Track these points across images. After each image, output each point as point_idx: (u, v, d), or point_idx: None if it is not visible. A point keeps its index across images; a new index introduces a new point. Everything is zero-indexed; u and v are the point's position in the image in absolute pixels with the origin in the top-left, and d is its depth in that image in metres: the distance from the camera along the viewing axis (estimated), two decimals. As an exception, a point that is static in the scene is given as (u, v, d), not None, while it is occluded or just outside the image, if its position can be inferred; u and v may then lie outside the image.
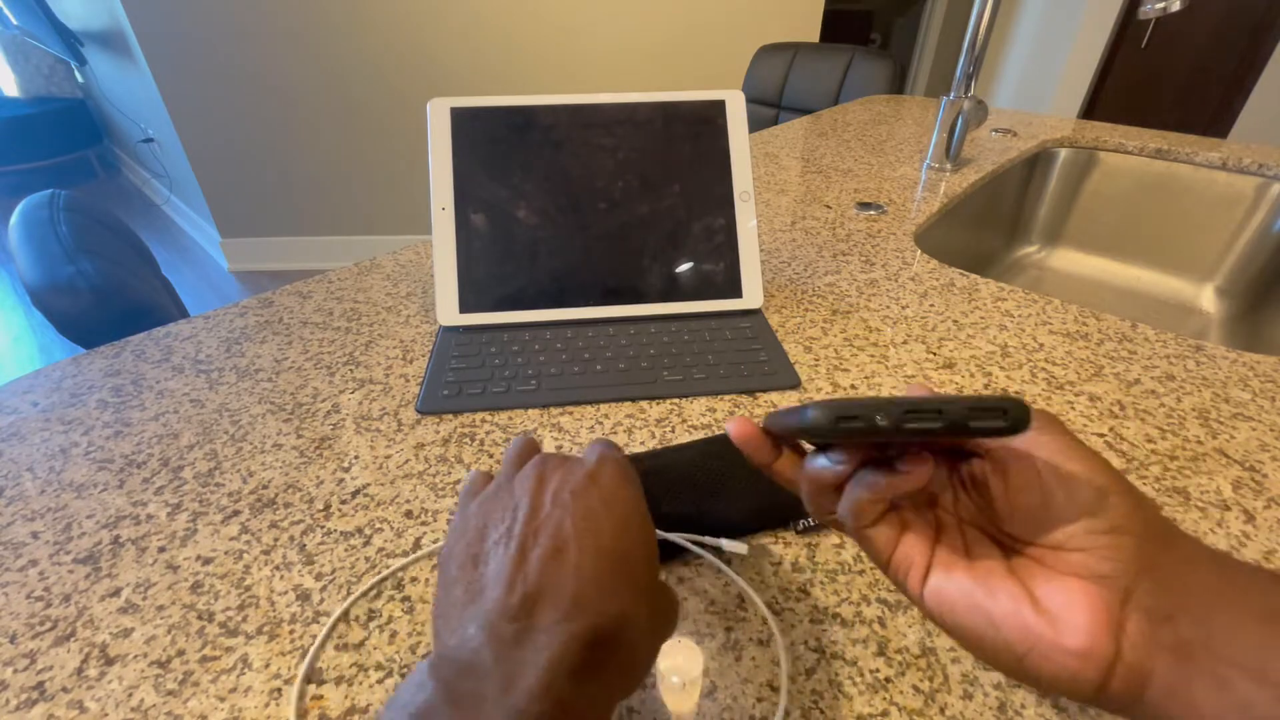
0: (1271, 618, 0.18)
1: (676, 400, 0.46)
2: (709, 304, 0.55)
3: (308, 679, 0.28)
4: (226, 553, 0.34)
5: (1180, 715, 0.19)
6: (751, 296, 0.55)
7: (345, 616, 0.31)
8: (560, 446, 0.42)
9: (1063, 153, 1.10)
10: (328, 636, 0.30)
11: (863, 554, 0.34)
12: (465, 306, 0.53)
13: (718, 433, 0.42)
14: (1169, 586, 0.19)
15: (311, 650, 0.29)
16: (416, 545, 0.35)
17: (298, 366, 0.50)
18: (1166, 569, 0.20)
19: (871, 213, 0.80)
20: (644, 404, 0.46)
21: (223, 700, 0.27)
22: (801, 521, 0.36)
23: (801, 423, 0.21)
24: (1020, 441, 0.22)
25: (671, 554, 0.34)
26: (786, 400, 0.46)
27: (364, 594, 0.32)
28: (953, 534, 0.24)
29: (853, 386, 0.47)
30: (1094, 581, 0.20)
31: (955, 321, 0.56)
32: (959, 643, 0.22)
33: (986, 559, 0.22)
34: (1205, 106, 2.74)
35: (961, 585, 0.22)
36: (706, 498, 0.36)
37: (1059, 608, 0.20)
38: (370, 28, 2.21)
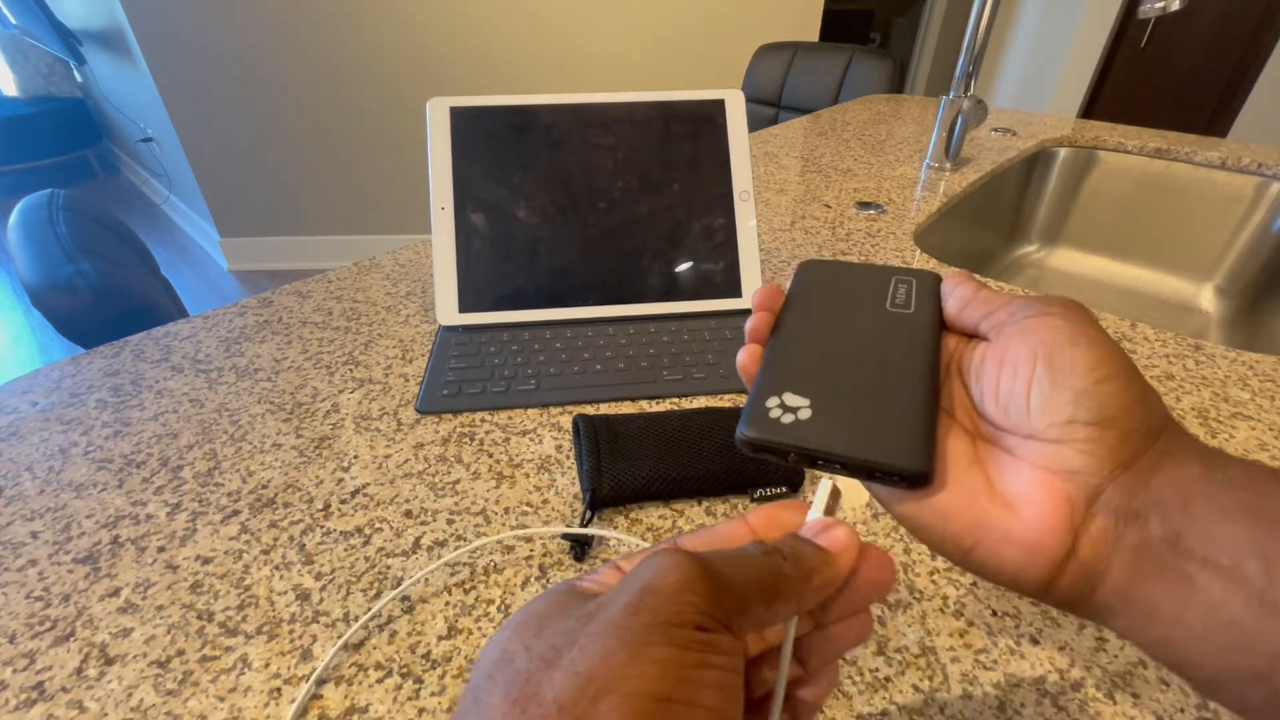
0: (1254, 513, 0.16)
1: (676, 399, 0.46)
2: (709, 303, 0.55)
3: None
4: (226, 552, 0.34)
5: (1134, 616, 0.18)
6: (751, 296, 0.55)
7: (405, 597, 0.31)
8: (560, 446, 0.42)
9: (1062, 152, 1.10)
10: (371, 620, 0.30)
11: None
12: (465, 306, 0.53)
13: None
14: (1143, 482, 0.18)
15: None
16: (416, 545, 0.35)
17: (297, 366, 0.50)
18: (1145, 463, 0.18)
19: (871, 212, 0.80)
20: (644, 403, 0.46)
21: (222, 700, 0.27)
22: (759, 491, 0.38)
23: (737, 435, 0.22)
24: (1030, 324, 0.21)
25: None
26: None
27: (439, 567, 0.32)
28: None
29: (852, 386, 0.47)
30: (1061, 476, 0.19)
31: (955, 321, 0.56)
32: (904, 527, 0.21)
33: (951, 450, 0.21)
34: (1205, 106, 2.74)
35: (920, 496, 0.20)
36: (679, 460, 0.38)
37: (1016, 499, 0.19)
38: (369, 27, 2.20)
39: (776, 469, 0.38)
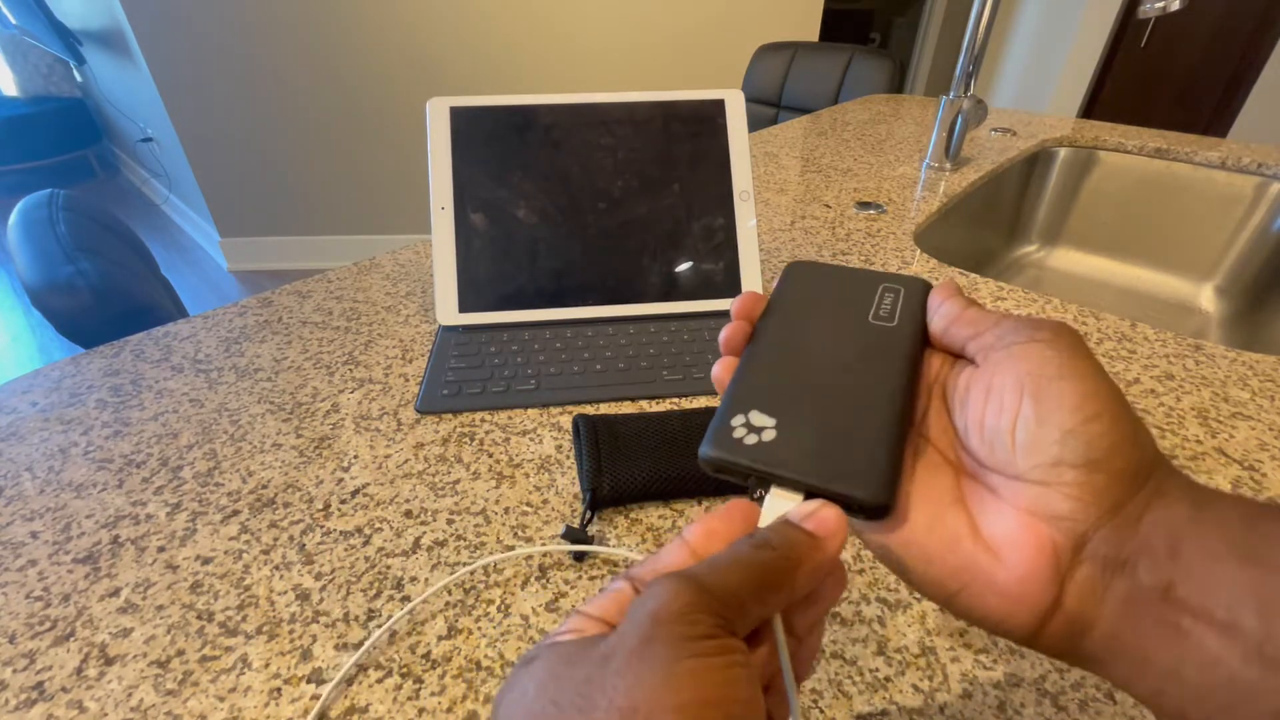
0: (1249, 557, 0.16)
1: (676, 399, 0.46)
2: (709, 303, 0.55)
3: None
4: (226, 552, 0.34)
5: (1125, 667, 0.17)
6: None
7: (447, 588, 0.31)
8: (560, 446, 0.42)
9: (1062, 152, 1.10)
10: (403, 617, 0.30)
11: (863, 553, 0.34)
12: (465, 306, 0.53)
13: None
14: (1132, 527, 0.17)
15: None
16: (416, 545, 0.35)
17: (297, 366, 0.50)
18: (1134, 509, 0.17)
19: (871, 212, 0.80)
20: (644, 403, 0.46)
21: (222, 700, 0.27)
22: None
23: (699, 453, 0.22)
24: (1018, 352, 0.20)
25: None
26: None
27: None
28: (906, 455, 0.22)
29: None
30: (1046, 521, 0.18)
31: (955, 321, 0.56)
32: (894, 574, 0.20)
33: (936, 485, 0.20)
34: (1205, 106, 2.74)
35: (896, 525, 0.20)
36: (679, 460, 0.38)
37: (999, 544, 0.18)
38: (369, 27, 2.20)
39: None
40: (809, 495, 0.20)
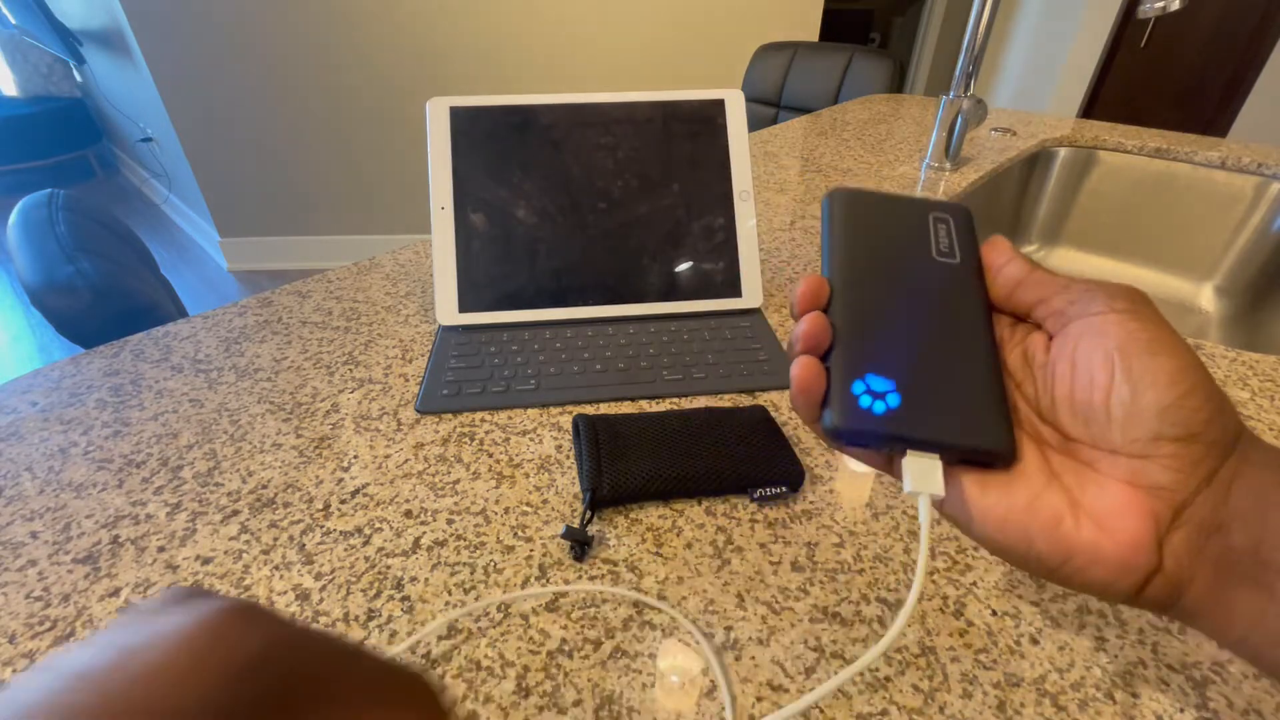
0: None
1: (676, 399, 0.46)
2: (709, 303, 0.55)
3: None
4: (226, 552, 0.34)
5: (1216, 619, 0.18)
6: (751, 296, 0.55)
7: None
8: (560, 446, 0.42)
9: (1062, 152, 1.10)
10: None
11: (863, 553, 0.34)
12: (465, 306, 0.53)
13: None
14: (1224, 493, 0.18)
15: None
16: (416, 545, 0.35)
17: (297, 366, 0.50)
18: (1225, 475, 0.18)
19: (871, 212, 0.80)
20: (644, 403, 0.46)
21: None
22: (759, 490, 0.37)
23: (825, 425, 0.22)
24: (1101, 323, 0.20)
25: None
26: (786, 399, 0.46)
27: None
28: None
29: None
30: (1147, 492, 0.18)
31: (955, 321, 0.56)
32: (994, 554, 0.21)
33: (1026, 464, 0.20)
34: (1205, 106, 2.74)
35: (1005, 501, 0.20)
36: (678, 460, 0.38)
37: (1103, 518, 0.18)
38: (370, 27, 2.20)
39: (775, 469, 0.38)
40: (942, 452, 0.21)
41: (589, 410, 0.45)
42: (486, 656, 0.29)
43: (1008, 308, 0.23)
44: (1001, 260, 0.23)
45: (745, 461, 0.38)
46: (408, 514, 0.37)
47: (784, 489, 0.37)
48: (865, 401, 0.21)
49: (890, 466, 0.22)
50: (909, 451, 0.21)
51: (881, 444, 0.21)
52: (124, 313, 0.65)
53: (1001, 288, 0.23)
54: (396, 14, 2.19)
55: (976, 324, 0.23)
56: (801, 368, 0.22)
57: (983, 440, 0.20)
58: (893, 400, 0.21)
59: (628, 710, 0.27)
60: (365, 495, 0.38)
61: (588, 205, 0.54)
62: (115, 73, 2.78)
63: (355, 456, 0.41)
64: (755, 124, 1.64)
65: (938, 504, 0.22)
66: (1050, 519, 0.19)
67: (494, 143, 0.54)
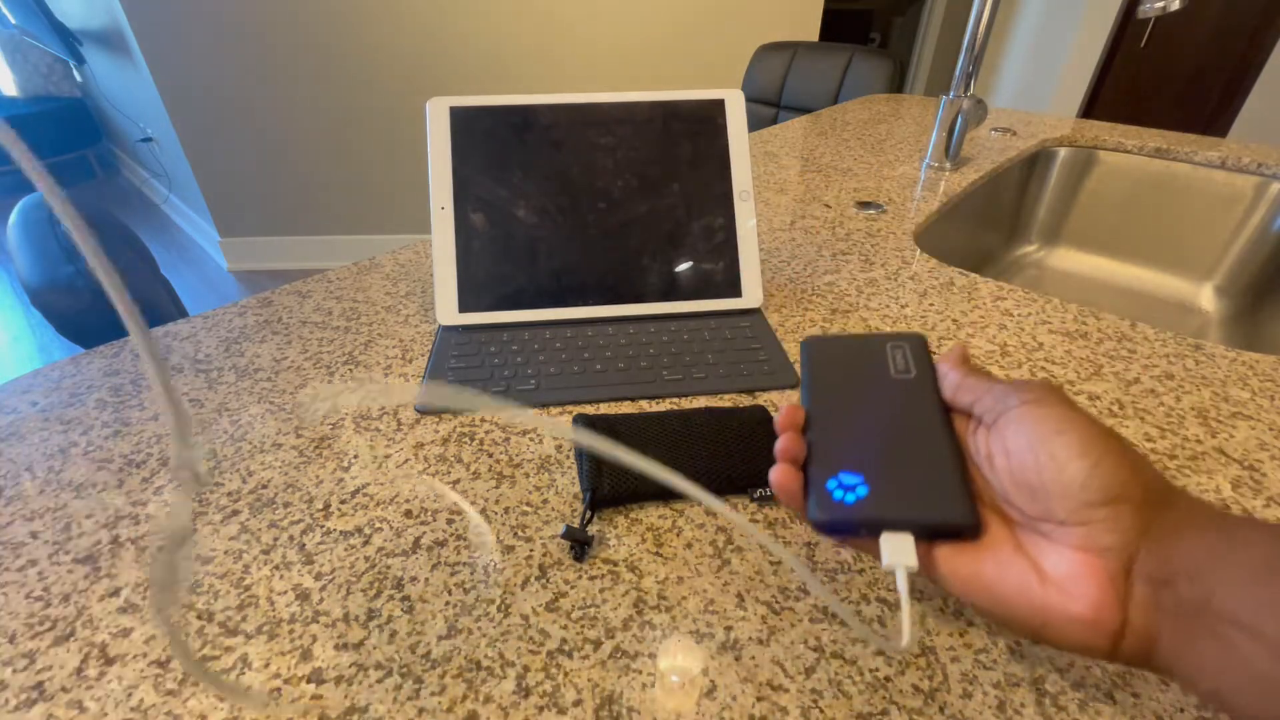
0: (1269, 573, 0.18)
1: (676, 399, 0.46)
2: (708, 303, 0.55)
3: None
4: (226, 552, 0.34)
5: (1189, 672, 0.19)
6: (751, 296, 0.55)
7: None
8: (560, 446, 0.42)
9: (1062, 152, 1.10)
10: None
11: (863, 553, 0.34)
12: (465, 306, 0.53)
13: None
14: (1168, 549, 0.20)
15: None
16: (416, 545, 0.35)
17: (297, 366, 0.50)
18: (1165, 531, 0.20)
19: (871, 212, 0.80)
20: (643, 403, 0.46)
21: (223, 700, 0.27)
22: (759, 490, 0.38)
23: (810, 518, 0.25)
24: (1017, 415, 0.23)
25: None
26: (785, 399, 0.46)
27: (363, 594, 0.32)
28: None
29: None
30: (1097, 554, 0.20)
31: (955, 320, 0.56)
32: (981, 616, 0.24)
33: (994, 537, 0.23)
34: (1205, 106, 2.74)
35: (972, 566, 0.23)
36: (679, 460, 0.38)
37: (1066, 581, 0.21)
38: (370, 27, 2.20)
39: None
40: (914, 532, 0.24)
41: (589, 410, 0.45)
42: (486, 656, 0.29)
43: (955, 406, 0.27)
44: (946, 366, 0.28)
45: (745, 461, 0.38)
46: (408, 514, 0.37)
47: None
48: (838, 495, 0.25)
49: (876, 550, 0.25)
50: (884, 531, 0.24)
51: (858, 529, 0.24)
52: (124, 313, 0.65)
53: (946, 391, 0.27)
54: (397, 14, 2.19)
55: (933, 419, 0.27)
56: (778, 473, 0.26)
57: (948, 515, 0.23)
58: (862, 491, 0.24)
59: (628, 710, 0.27)
60: (365, 495, 0.38)
61: (588, 205, 0.54)
62: (115, 73, 2.78)
63: (355, 456, 0.41)
64: (755, 124, 1.64)
65: (923, 573, 0.25)
66: (1021, 585, 0.22)
67: (494, 143, 0.54)
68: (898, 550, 0.23)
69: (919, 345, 0.31)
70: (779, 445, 0.27)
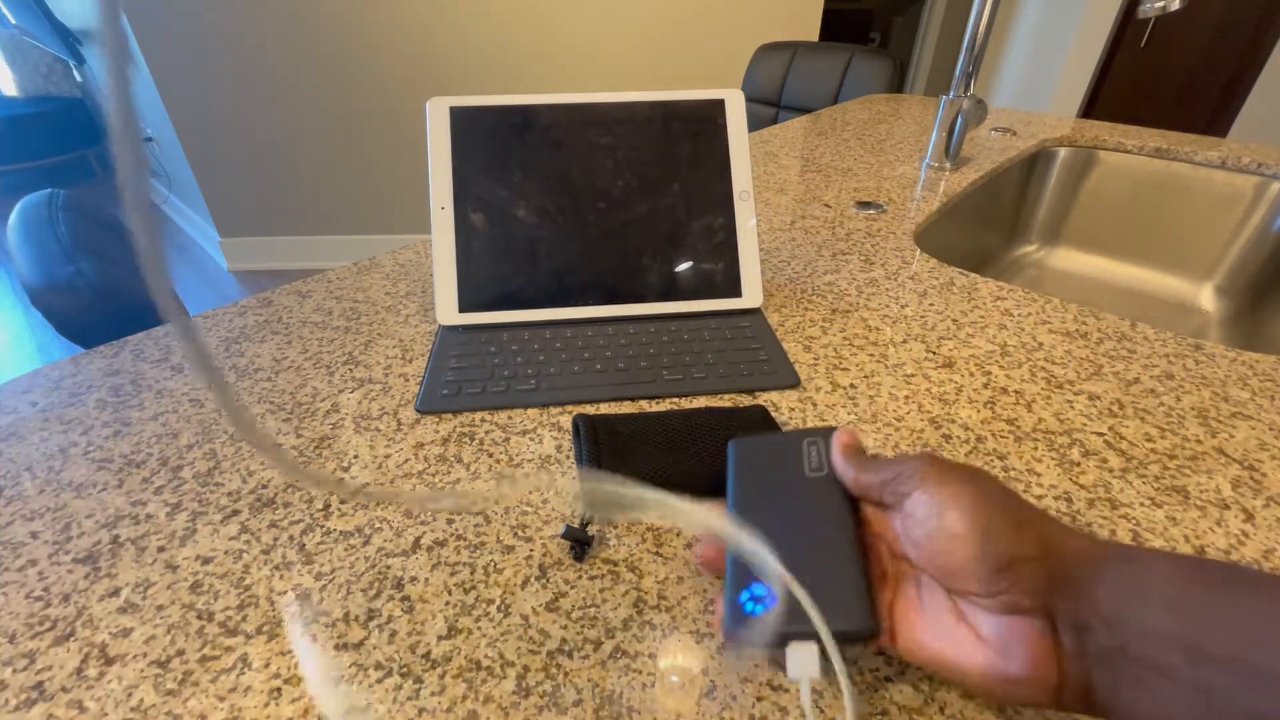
0: (1172, 612, 0.19)
1: (676, 399, 0.46)
2: (708, 303, 0.55)
3: (307, 679, 0.28)
4: (226, 552, 0.34)
5: (1123, 716, 0.20)
6: (751, 295, 0.55)
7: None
8: (560, 446, 0.42)
9: (1062, 152, 1.10)
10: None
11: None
12: (465, 306, 0.53)
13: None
14: (1080, 597, 0.20)
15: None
16: (416, 545, 0.35)
17: (297, 366, 0.50)
18: (1073, 580, 0.21)
19: (871, 212, 0.80)
20: (644, 403, 0.46)
21: (222, 700, 0.27)
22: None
23: (724, 632, 0.27)
24: (909, 506, 0.25)
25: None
26: (785, 399, 0.46)
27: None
28: (908, 586, 0.26)
29: (852, 385, 0.47)
30: (1020, 615, 0.21)
31: (955, 320, 0.56)
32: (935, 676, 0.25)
33: (937, 608, 0.24)
34: (1204, 106, 2.74)
35: (916, 636, 0.24)
36: (679, 460, 0.38)
37: (1000, 644, 0.22)
38: (369, 27, 2.20)
39: None
40: (816, 639, 0.24)
41: (589, 410, 0.45)
42: (486, 656, 0.29)
43: (865, 501, 0.28)
44: (839, 467, 0.29)
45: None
46: (408, 514, 0.37)
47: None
48: (749, 607, 0.26)
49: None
50: (790, 642, 0.25)
51: (767, 641, 0.25)
52: (124, 313, 0.65)
53: (850, 488, 0.28)
54: (396, 14, 2.19)
55: (840, 519, 0.28)
56: (701, 549, 0.30)
57: (848, 623, 0.24)
58: (770, 601, 0.25)
59: (628, 710, 0.27)
60: (365, 495, 0.38)
61: (588, 205, 0.54)
62: (115, 73, 2.77)
63: (355, 456, 0.41)
64: (755, 124, 1.64)
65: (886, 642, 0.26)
66: (964, 651, 0.23)
67: (494, 143, 0.54)
68: (802, 662, 0.24)
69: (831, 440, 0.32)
70: (698, 560, 0.30)
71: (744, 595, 0.26)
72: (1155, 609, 0.19)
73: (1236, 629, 0.18)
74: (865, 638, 0.24)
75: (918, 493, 0.24)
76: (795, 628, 0.25)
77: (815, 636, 0.24)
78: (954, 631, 0.23)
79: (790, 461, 0.32)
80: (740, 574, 0.27)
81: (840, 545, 0.27)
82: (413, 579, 0.33)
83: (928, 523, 0.23)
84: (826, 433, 0.32)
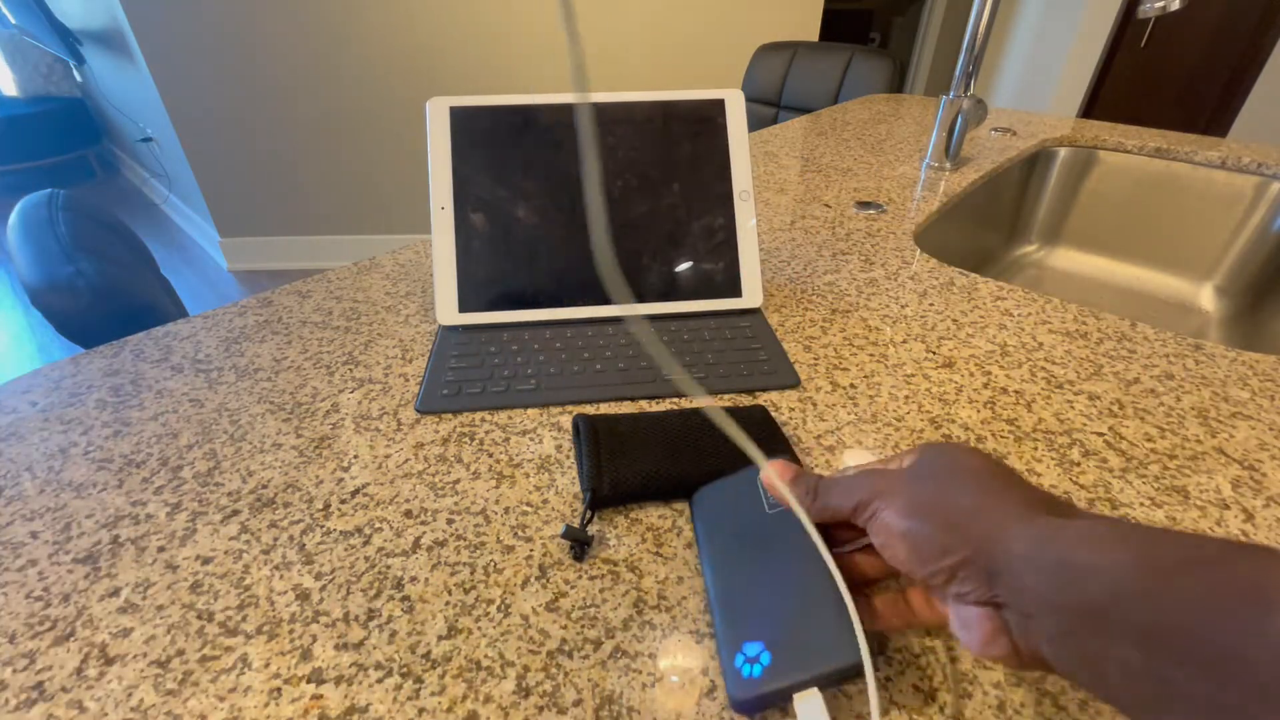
0: (1064, 589, 0.20)
1: (676, 399, 0.46)
2: (709, 303, 0.55)
3: (307, 679, 0.28)
4: (226, 552, 0.34)
5: (1087, 687, 0.21)
6: (751, 296, 0.55)
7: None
8: (560, 446, 0.42)
9: (1062, 152, 1.10)
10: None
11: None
12: (464, 306, 0.53)
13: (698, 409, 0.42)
14: (1015, 587, 0.21)
15: (311, 650, 0.29)
16: (416, 545, 0.35)
17: (297, 366, 0.50)
18: (1004, 570, 0.22)
19: (871, 212, 0.80)
20: (644, 403, 0.46)
21: (222, 700, 0.27)
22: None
23: (729, 697, 0.27)
24: (865, 528, 0.26)
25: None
26: (785, 399, 0.46)
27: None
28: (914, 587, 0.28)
29: (852, 385, 0.47)
30: (972, 602, 0.23)
31: (955, 320, 0.56)
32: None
33: (921, 595, 0.28)
34: (1204, 106, 2.74)
35: (906, 620, 0.28)
36: (679, 459, 0.38)
37: (960, 623, 0.24)
38: (369, 27, 2.20)
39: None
40: (820, 684, 0.25)
41: (589, 410, 0.45)
42: (486, 656, 0.29)
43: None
44: (790, 502, 0.29)
45: (745, 460, 0.38)
46: (408, 514, 0.37)
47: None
48: (747, 670, 0.26)
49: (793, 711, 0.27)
50: (794, 695, 0.25)
51: (774, 701, 0.25)
52: (124, 313, 0.65)
53: (814, 516, 0.28)
54: (396, 14, 2.19)
55: (810, 557, 0.28)
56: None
57: (841, 660, 0.25)
58: (766, 659, 0.26)
59: (628, 710, 0.27)
60: (365, 495, 0.38)
61: (588, 205, 0.54)
62: (115, 73, 2.77)
63: (355, 456, 0.41)
64: (755, 124, 1.64)
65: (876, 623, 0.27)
66: (959, 631, 0.24)
67: (494, 143, 0.54)
68: (810, 711, 0.25)
69: None
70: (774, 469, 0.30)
71: (739, 659, 0.26)
72: (1052, 587, 0.20)
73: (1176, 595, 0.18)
74: (857, 669, 0.25)
75: (865, 520, 0.26)
76: (794, 679, 0.25)
77: (816, 683, 0.25)
78: (928, 604, 0.27)
79: (748, 500, 0.32)
80: (730, 634, 0.27)
81: (814, 580, 0.27)
82: (413, 579, 0.33)
83: (878, 543, 0.26)
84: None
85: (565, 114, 0.54)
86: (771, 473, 0.29)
